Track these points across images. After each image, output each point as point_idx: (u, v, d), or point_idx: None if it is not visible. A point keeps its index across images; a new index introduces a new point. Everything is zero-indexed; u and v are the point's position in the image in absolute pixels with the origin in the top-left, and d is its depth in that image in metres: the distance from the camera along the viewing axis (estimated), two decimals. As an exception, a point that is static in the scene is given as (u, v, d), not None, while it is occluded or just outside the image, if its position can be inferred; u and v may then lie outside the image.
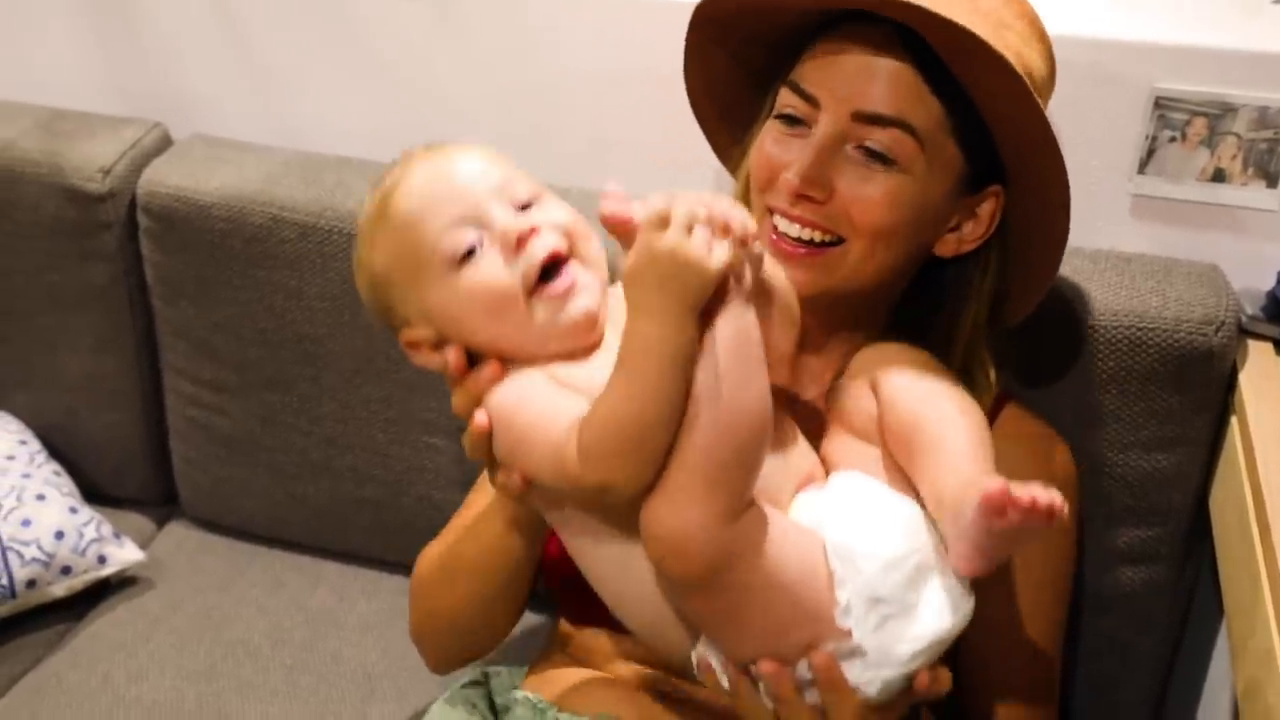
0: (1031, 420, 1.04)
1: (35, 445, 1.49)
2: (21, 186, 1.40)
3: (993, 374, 1.00)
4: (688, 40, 1.01)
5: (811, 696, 0.79)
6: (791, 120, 0.92)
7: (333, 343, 1.36)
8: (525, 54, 1.32)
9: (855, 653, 0.77)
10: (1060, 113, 1.14)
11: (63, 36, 1.49)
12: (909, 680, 0.78)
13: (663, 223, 0.72)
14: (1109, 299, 1.11)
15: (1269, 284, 1.13)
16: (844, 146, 0.89)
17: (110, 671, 1.31)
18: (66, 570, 1.37)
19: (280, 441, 1.42)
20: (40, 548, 1.35)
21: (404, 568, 1.43)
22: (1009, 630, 0.99)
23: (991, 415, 1.00)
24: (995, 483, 0.72)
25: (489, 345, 0.83)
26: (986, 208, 0.94)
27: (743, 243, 0.74)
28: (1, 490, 1.39)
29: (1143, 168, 1.16)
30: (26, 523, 1.36)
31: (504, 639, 1.08)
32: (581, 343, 0.82)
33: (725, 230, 0.73)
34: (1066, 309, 1.12)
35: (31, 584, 1.35)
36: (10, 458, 1.44)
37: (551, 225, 0.83)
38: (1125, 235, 1.19)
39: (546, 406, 0.79)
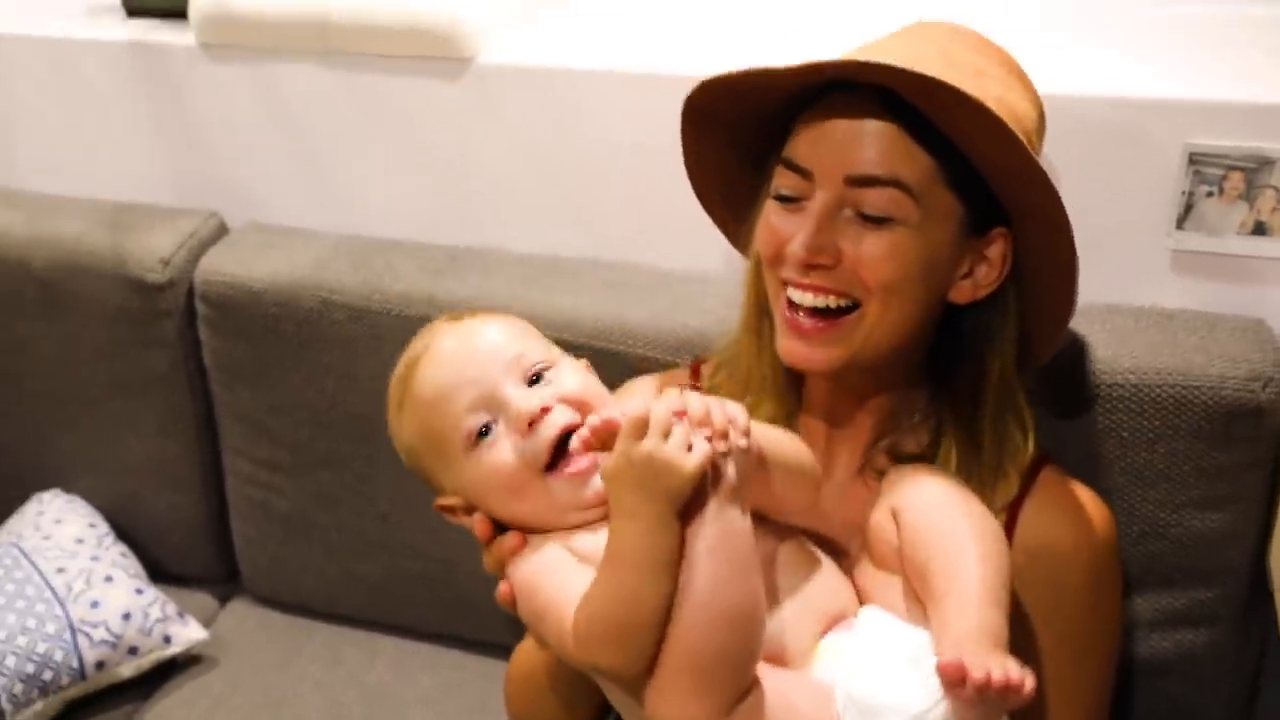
0: (1070, 485, 1.02)
1: (103, 527, 1.53)
2: (87, 279, 1.46)
3: (1031, 434, 0.99)
4: (683, 132, 1.03)
5: None
6: (788, 200, 0.94)
7: (384, 422, 1.36)
8: (559, 132, 1.35)
9: None
10: (1095, 171, 1.16)
11: (127, 133, 1.55)
12: None
13: (641, 427, 0.75)
14: (1152, 357, 1.10)
15: (1317, 336, 1.11)
16: (842, 211, 0.91)
17: (175, 751, 1.34)
18: (134, 651, 1.41)
19: (335, 519, 1.45)
20: (109, 629, 1.39)
21: (459, 641, 1.46)
22: (1048, 700, 0.96)
23: (1028, 480, 0.98)
24: (950, 657, 0.74)
25: (511, 519, 0.88)
26: (996, 250, 0.95)
27: (724, 436, 0.77)
28: (71, 573, 1.43)
29: (1181, 223, 1.15)
30: (95, 604, 1.41)
31: None
32: (599, 512, 0.85)
33: (705, 426, 0.76)
34: (1110, 368, 1.11)
35: (101, 665, 1.39)
36: (80, 540, 1.49)
37: (562, 399, 0.86)
38: (1167, 292, 1.18)
39: (560, 585, 0.82)
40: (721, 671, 0.76)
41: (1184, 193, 1.13)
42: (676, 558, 0.75)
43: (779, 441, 0.86)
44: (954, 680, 0.74)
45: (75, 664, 1.37)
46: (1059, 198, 0.89)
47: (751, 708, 0.77)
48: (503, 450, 0.85)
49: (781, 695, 0.78)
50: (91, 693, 1.40)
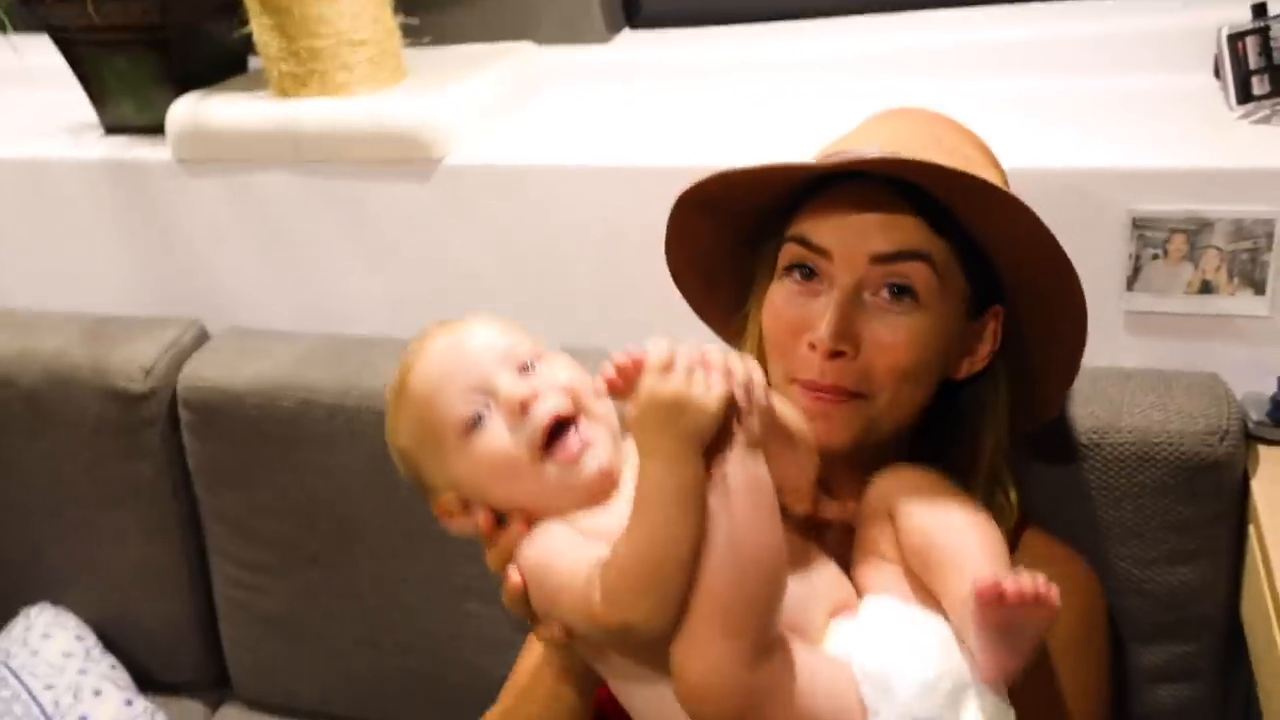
0: (1052, 543, 1.05)
1: (91, 640, 1.53)
2: (70, 391, 1.48)
3: (1014, 496, 1.01)
4: (671, 220, 1.04)
5: None
6: (806, 272, 0.94)
7: (367, 517, 1.40)
8: (528, 226, 1.39)
9: None
10: (1045, 240, 1.19)
11: (106, 246, 1.58)
12: None
13: (665, 368, 0.76)
14: (1111, 416, 1.13)
15: (1271, 388, 1.14)
16: (863, 295, 0.92)
17: None
18: (123, 763, 1.40)
19: (323, 617, 1.46)
20: (97, 743, 1.39)
21: (450, 735, 1.45)
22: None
23: (1013, 540, 1.00)
24: (985, 575, 0.74)
25: (511, 505, 0.87)
26: (990, 328, 0.97)
27: (746, 389, 0.78)
28: (60, 689, 1.43)
29: (1131, 285, 1.19)
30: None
31: None
32: (599, 496, 0.85)
33: (726, 375, 0.77)
34: (1070, 429, 1.13)
35: (90, 779, 1.38)
36: (68, 655, 1.49)
37: (554, 387, 0.86)
38: (1123, 352, 1.21)
39: (573, 558, 0.82)
40: (753, 617, 0.76)
41: (1131, 255, 1.17)
42: (702, 495, 0.76)
43: (786, 410, 0.87)
44: (990, 599, 0.74)
45: (65, 779, 1.36)
46: (1076, 276, 0.92)
47: (778, 667, 0.77)
48: (497, 434, 0.85)
49: (805, 661, 0.79)
50: (82, 807, 1.39)
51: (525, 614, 0.87)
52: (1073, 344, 0.97)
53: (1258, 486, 1.09)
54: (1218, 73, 1.30)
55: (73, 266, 1.61)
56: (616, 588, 0.77)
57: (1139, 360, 1.20)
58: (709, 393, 0.76)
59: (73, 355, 1.49)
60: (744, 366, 0.79)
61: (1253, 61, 1.22)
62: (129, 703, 1.44)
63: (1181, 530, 1.12)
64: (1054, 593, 0.75)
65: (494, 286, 1.43)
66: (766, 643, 0.77)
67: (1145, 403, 1.13)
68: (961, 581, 0.80)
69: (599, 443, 0.86)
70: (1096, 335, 1.20)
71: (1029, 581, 0.74)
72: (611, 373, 0.79)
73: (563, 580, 0.82)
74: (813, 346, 0.92)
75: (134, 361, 1.47)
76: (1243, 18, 1.24)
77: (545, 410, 0.85)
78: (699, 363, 0.77)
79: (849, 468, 1.00)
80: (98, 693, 1.44)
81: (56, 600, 1.58)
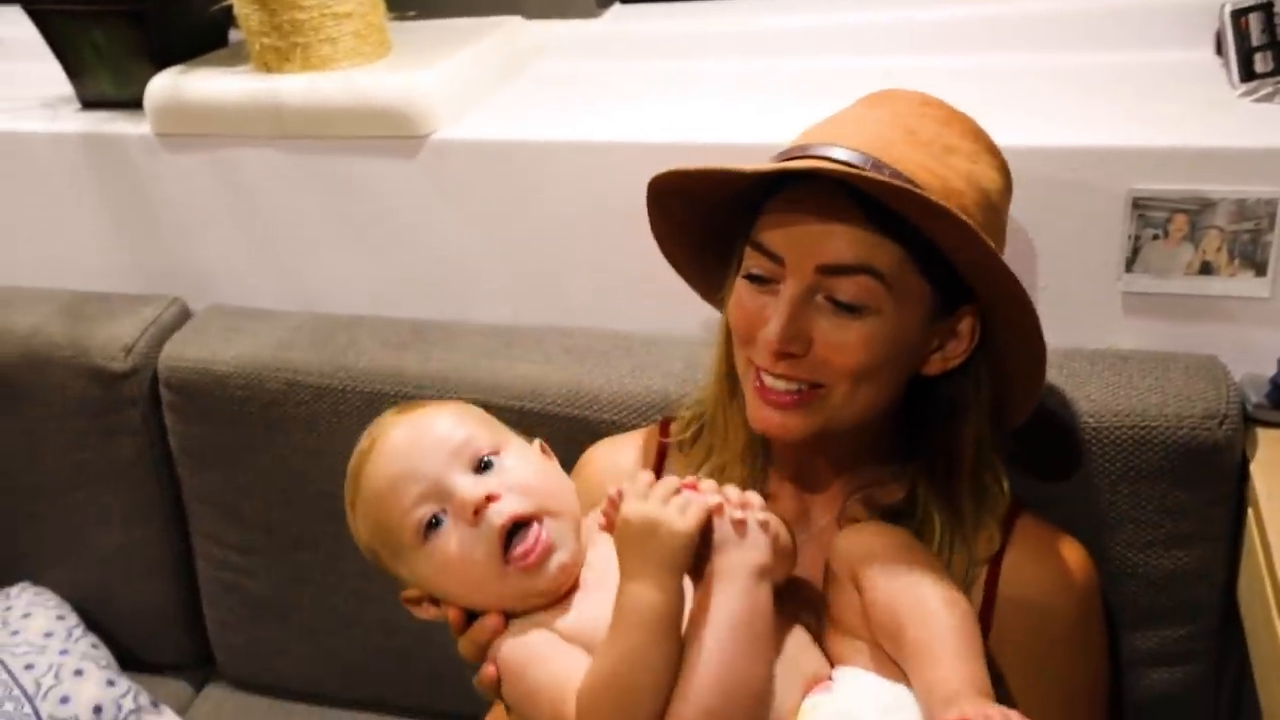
0: (1047, 530, 1.03)
1: (73, 619, 1.51)
2: (49, 370, 1.45)
3: (1005, 484, 1.00)
4: (650, 207, 1.04)
5: None
6: (760, 280, 0.95)
7: (353, 499, 1.38)
8: (515, 203, 1.36)
9: None
10: (1043, 219, 1.18)
11: (85, 222, 1.55)
12: None
13: (642, 494, 0.79)
14: (1109, 399, 1.11)
15: (1270, 370, 1.13)
16: (814, 298, 0.91)
17: (152, 846, 1.31)
18: (106, 745, 1.39)
19: (308, 598, 1.44)
20: (80, 724, 1.37)
21: (435, 714, 1.44)
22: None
23: (1006, 527, 1.00)
24: (953, 713, 0.75)
25: (476, 605, 0.88)
26: (965, 325, 0.96)
27: (742, 505, 0.80)
28: (40, 668, 1.41)
29: (1130, 266, 1.17)
30: (65, 700, 1.38)
31: None
32: (561, 592, 0.86)
33: (719, 505, 0.80)
34: (1067, 412, 1.12)
35: (73, 761, 1.37)
36: (48, 634, 1.47)
37: (510, 487, 0.86)
38: (1121, 334, 1.20)
39: (553, 663, 0.83)
40: None
41: (1130, 236, 1.15)
42: (679, 620, 0.76)
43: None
44: None
45: (47, 762, 1.34)
46: (1024, 292, 0.91)
47: None
48: (452, 541, 0.85)
49: None
50: (66, 789, 1.38)
51: (495, 698, 0.89)
52: (1030, 346, 0.95)
53: (1256, 470, 1.08)
54: (1220, 49, 1.28)
55: (49, 243, 1.58)
56: (591, 704, 0.78)
57: (1137, 342, 1.19)
58: (682, 516, 0.77)
59: (51, 333, 1.46)
60: (741, 495, 0.81)
61: (1256, 38, 1.20)
62: (111, 683, 1.42)
63: (1178, 514, 1.11)
64: None
65: (481, 264, 1.41)
66: None
67: (1143, 385, 1.12)
68: (935, 681, 0.80)
69: (560, 544, 0.85)
70: (1095, 317, 1.20)
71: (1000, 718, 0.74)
72: (609, 510, 0.82)
73: (540, 686, 0.83)
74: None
75: (114, 340, 1.44)
76: (1246, -7, 1.22)
77: (502, 513, 0.84)
78: (677, 488, 0.79)
79: (828, 463, 1.01)
80: (79, 672, 1.42)
81: (37, 580, 1.56)
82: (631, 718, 0.76)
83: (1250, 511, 1.08)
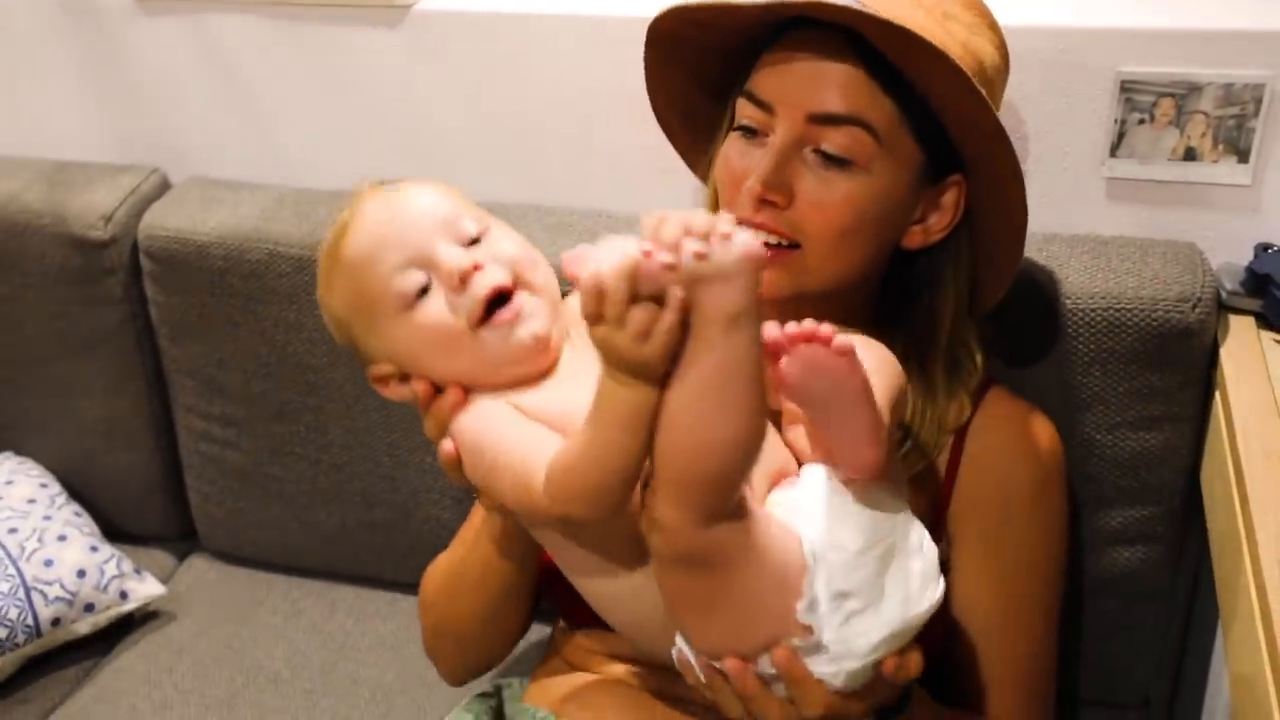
0: (1016, 401, 1.05)
1: (55, 488, 1.53)
2: (27, 238, 1.44)
3: (979, 359, 1.01)
4: (646, 58, 1.03)
5: (780, 689, 0.80)
6: (750, 131, 0.94)
7: (334, 371, 1.39)
8: (501, 78, 1.35)
9: (817, 648, 0.78)
10: (1029, 100, 1.17)
11: (62, 90, 1.53)
12: (876, 668, 0.80)
13: (598, 310, 0.69)
14: (1086, 282, 1.12)
15: (1247, 258, 1.14)
16: (802, 150, 0.91)
17: (136, 704, 1.34)
18: (90, 607, 1.41)
19: (290, 471, 1.45)
20: (63, 586, 1.39)
21: (416, 588, 1.46)
22: (999, 615, 0.99)
23: (977, 399, 1.02)
24: (771, 330, 0.72)
25: (448, 378, 0.86)
26: (949, 197, 0.96)
27: (701, 256, 0.71)
28: (24, 533, 1.43)
29: (1114, 151, 1.17)
30: (49, 563, 1.40)
31: (514, 648, 1.11)
32: (536, 367, 0.85)
33: (673, 269, 0.69)
34: (1044, 294, 1.13)
35: (56, 622, 1.39)
36: (31, 501, 1.48)
37: (496, 259, 0.85)
38: (1103, 218, 1.20)
39: (511, 439, 0.81)
40: (701, 492, 0.74)
41: (1116, 120, 1.15)
42: (654, 415, 0.73)
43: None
44: (772, 349, 0.73)
45: (30, 622, 1.36)
46: (1014, 153, 0.90)
47: (734, 524, 0.76)
48: (435, 308, 0.84)
49: (763, 522, 0.78)
50: (49, 649, 1.40)
51: (461, 482, 0.87)
52: (1012, 223, 0.95)
53: (1226, 355, 1.10)
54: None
55: (23, 110, 1.56)
56: (561, 484, 0.76)
57: (1119, 228, 1.19)
58: (641, 345, 0.70)
59: (29, 201, 1.45)
60: (701, 227, 0.72)
61: (1252, -80, 1.18)
62: (94, 549, 1.44)
63: (1148, 397, 1.13)
64: (827, 330, 0.73)
65: (463, 139, 1.40)
66: (717, 513, 0.76)
67: (1120, 270, 1.13)
68: None
69: (535, 314, 0.84)
70: (1078, 202, 1.21)
71: (794, 325, 0.72)
72: (566, 270, 0.72)
73: (500, 459, 0.81)
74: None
75: (93, 208, 1.43)
76: None
77: (485, 283, 0.83)
78: (644, 275, 0.69)
79: None
80: (62, 538, 1.43)
81: (20, 449, 1.57)
82: (602, 499, 0.75)
83: (1217, 394, 1.10)
